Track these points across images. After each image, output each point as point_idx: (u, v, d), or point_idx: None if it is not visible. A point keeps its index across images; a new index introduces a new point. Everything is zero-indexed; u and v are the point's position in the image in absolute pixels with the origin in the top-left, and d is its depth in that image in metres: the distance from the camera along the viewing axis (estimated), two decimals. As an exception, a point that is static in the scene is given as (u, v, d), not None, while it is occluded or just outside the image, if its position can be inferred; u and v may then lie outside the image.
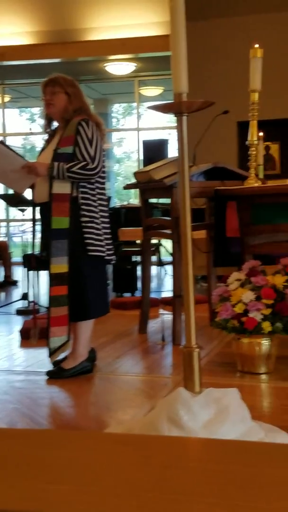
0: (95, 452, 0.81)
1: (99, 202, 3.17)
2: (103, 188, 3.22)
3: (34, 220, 3.30)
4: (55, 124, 3.31)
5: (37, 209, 3.27)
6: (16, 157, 3.10)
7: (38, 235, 3.33)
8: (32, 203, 3.31)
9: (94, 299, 3.16)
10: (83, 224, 3.08)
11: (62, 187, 3.07)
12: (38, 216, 3.28)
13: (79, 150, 3.08)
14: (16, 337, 4.21)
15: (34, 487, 0.71)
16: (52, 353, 3.12)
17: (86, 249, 3.09)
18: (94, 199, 3.15)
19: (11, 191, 3.60)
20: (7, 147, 3.11)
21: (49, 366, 3.22)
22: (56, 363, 3.23)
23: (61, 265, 3.06)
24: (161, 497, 0.66)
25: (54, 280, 3.08)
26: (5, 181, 3.30)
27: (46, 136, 3.35)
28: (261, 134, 4.38)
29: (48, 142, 3.29)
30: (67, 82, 3.21)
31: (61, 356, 3.26)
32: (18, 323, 4.96)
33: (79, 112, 3.17)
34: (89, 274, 3.13)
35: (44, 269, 3.27)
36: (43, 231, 3.31)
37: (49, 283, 3.11)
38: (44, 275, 3.45)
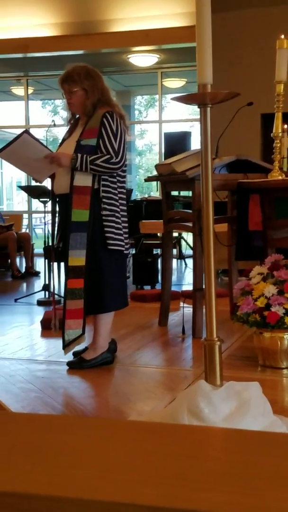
0: (117, 440, 0.81)
1: (119, 195, 3.16)
2: (124, 182, 3.21)
3: (53, 211, 3.30)
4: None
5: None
6: (40, 147, 3.12)
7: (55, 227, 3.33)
8: (52, 194, 3.31)
9: (113, 293, 3.15)
10: (103, 218, 3.08)
11: (84, 180, 3.06)
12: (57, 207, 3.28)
13: (103, 143, 3.07)
14: (38, 327, 4.25)
15: (56, 472, 0.72)
16: (66, 346, 3.13)
17: (106, 243, 3.08)
18: (115, 192, 3.13)
19: (33, 183, 3.61)
20: (32, 136, 3.13)
21: (70, 356, 3.25)
22: (77, 354, 3.25)
23: (78, 258, 3.06)
24: (183, 485, 0.66)
25: (71, 272, 3.08)
26: (26, 169, 3.32)
27: (68, 126, 3.34)
28: (286, 126, 4.34)
29: (70, 132, 3.28)
30: (82, 75, 3.14)
31: (82, 346, 3.29)
32: (39, 313, 5.00)
33: (101, 104, 3.15)
34: (108, 267, 3.12)
35: (62, 261, 3.28)
36: (60, 223, 3.31)
37: (66, 276, 3.11)
38: (63, 266, 3.46)
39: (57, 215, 3.29)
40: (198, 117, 2.12)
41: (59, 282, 7.03)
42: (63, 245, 3.16)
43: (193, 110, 13.69)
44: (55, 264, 3.50)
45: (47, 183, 3.42)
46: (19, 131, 3.11)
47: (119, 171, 3.13)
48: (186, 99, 2.20)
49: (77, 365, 3.17)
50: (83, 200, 3.05)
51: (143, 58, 9.64)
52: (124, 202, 3.21)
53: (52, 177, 3.23)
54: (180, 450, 0.76)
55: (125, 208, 3.21)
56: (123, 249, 3.15)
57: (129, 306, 3.39)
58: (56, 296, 3.59)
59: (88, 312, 3.12)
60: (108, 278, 3.12)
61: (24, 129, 3.23)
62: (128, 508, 0.64)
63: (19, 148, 3.09)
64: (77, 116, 3.30)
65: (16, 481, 0.70)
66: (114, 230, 3.10)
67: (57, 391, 2.83)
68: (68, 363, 3.19)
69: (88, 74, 3.17)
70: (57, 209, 3.28)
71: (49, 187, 3.40)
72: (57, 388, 2.86)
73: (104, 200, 3.08)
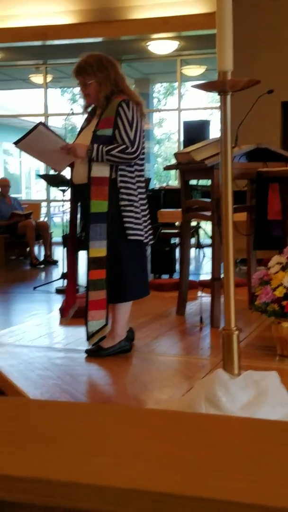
0: (135, 427, 0.82)
1: (138, 184, 3.15)
2: (142, 170, 3.19)
3: (72, 200, 3.31)
4: None
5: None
6: (56, 138, 3.12)
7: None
8: (71, 184, 3.32)
9: (132, 282, 3.16)
10: (122, 208, 3.07)
11: (101, 170, 3.05)
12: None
13: (119, 133, 3.05)
14: (56, 315, 4.28)
15: (75, 458, 0.73)
16: (90, 337, 3.13)
17: (125, 233, 3.07)
18: (133, 181, 3.12)
19: (52, 172, 3.63)
20: (47, 128, 3.14)
21: (87, 344, 3.27)
22: (95, 342, 3.27)
23: (99, 249, 3.06)
24: (202, 473, 0.66)
25: (93, 264, 3.07)
26: (44, 159, 3.33)
27: (85, 114, 3.33)
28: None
29: (88, 121, 3.27)
30: (95, 67, 3.11)
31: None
32: (57, 301, 5.03)
33: (116, 93, 3.12)
34: (128, 257, 3.12)
35: (83, 249, 3.29)
36: (81, 212, 3.32)
37: (88, 267, 3.10)
38: (83, 255, 3.48)
39: (77, 204, 3.29)
40: (218, 105, 2.11)
41: (87, 270, 7.06)
42: (85, 235, 3.17)
43: (213, 98, 13.58)
44: (76, 253, 3.50)
45: (65, 172, 3.43)
46: (38, 119, 3.13)
47: (137, 160, 3.12)
48: (206, 87, 2.18)
49: (95, 353, 3.19)
50: (101, 190, 3.05)
51: (162, 45, 9.57)
52: (143, 191, 3.20)
53: (72, 166, 3.23)
54: (198, 438, 0.76)
55: (144, 196, 3.20)
56: (143, 238, 3.14)
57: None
58: (76, 286, 3.59)
59: (109, 301, 3.13)
60: (129, 268, 3.12)
61: (39, 121, 3.23)
62: (146, 496, 0.65)
63: (35, 140, 3.10)
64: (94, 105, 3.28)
65: (35, 467, 0.71)
66: (133, 220, 3.09)
67: (75, 378, 2.85)
68: (86, 351, 3.21)
69: (101, 65, 3.13)
70: (77, 198, 3.29)
71: (68, 176, 3.41)
72: (75, 376, 2.88)
73: (122, 190, 3.07)
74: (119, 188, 3.07)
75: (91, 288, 3.09)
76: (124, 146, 3.03)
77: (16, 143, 3.16)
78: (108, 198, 3.04)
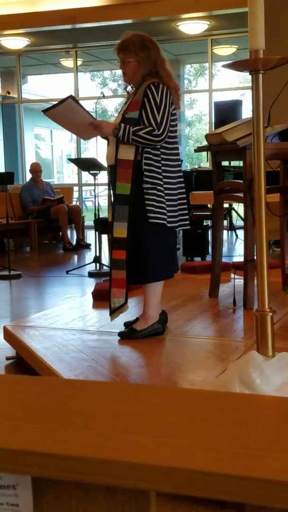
0: (171, 406, 0.82)
1: (164, 168, 3.13)
2: (171, 154, 3.15)
3: (109, 183, 3.31)
4: None
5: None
6: (83, 113, 3.17)
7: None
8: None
9: (154, 264, 3.16)
10: (145, 191, 3.07)
11: (126, 153, 3.07)
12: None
13: (146, 115, 3.04)
14: (89, 298, 4.32)
15: (111, 436, 0.74)
16: (112, 312, 3.24)
17: (147, 216, 3.08)
18: (158, 165, 3.10)
19: (83, 156, 3.66)
20: (77, 102, 3.18)
21: (121, 327, 3.29)
22: (128, 324, 3.29)
23: (121, 230, 3.12)
24: (238, 451, 0.67)
25: (115, 243, 3.14)
26: (71, 129, 3.41)
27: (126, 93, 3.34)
28: None
29: (126, 102, 3.28)
30: (137, 46, 3.10)
31: (133, 317, 3.33)
32: (90, 285, 5.07)
33: (150, 75, 3.11)
34: (150, 240, 3.12)
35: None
36: (110, 193, 3.34)
37: (111, 246, 3.20)
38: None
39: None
40: (249, 85, 2.08)
41: (110, 249, 7.10)
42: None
43: (244, 78, 13.37)
44: (106, 236, 3.55)
45: (97, 155, 3.45)
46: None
47: (164, 143, 3.09)
48: (238, 66, 2.15)
49: (128, 335, 3.21)
50: (126, 173, 3.08)
51: (192, 26, 9.46)
52: (173, 175, 3.15)
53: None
54: (234, 417, 0.76)
55: (173, 181, 3.15)
56: (165, 222, 3.12)
57: (179, 277, 3.40)
58: (105, 268, 3.62)
59: (130, 281, 3.21)
60: (149, 250, 3.13)
61: (70, 94, 3.28)
62: (182, 473, 0.66)
63: (64, 111, 3.16)
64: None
65: (70, 445, 0.73)
66: (155, 203, 3.08)
67: (109, 360, 2.88)
68: (120, 334, 3.24)
69: (144, 44, 3.12)
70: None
71: (99, 159, 3.44)
72: (109, 358, 2.91)
73: (146, 173, 3.07)
74: (144, 171, 3.07)
75: (113, 266, 3.19)
76: (150, 128, 3.02)
77: (45, 111, 3.22)
78: (132, 181, 3.07)
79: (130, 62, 3.12)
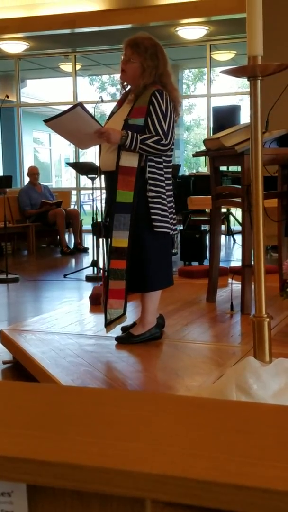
0: (167, 413, 0.82)
1: (166, 176, 3.11)
2: (170, 161, 3.15)
3: (102, 187, 3.30)
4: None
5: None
6: (91, 121, 3.03)
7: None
8: (99, 170, 3.30)
9: (156, 273, 3.15)
10: (149, 200, 3.04)
11: (129, 160, 3.01)
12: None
13: (152, 123, 3.01)
14: (86, 302, 4.31)
15: (107, 443, 0.73)
16: (108, 324, 3.15)
17: (152, 225, 3.05)
18: (161, 173, 3.09)
19: (81, 160, 3.63)
20: (85, 110, 3.05)
21: (118, 332, 3.29)
22: (125, 329, 3.29)
23: (122, 239, 3.05)
24: (234, 460, 0.66)
25: (114, 253, 3.07)
26: (70, 138, 3.28)
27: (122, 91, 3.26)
28: None
29: (119, 105, 3.24)
30: (148, 52, 3.04)
31: (130, 322, 3.32)
32: (88, 289, 5.07)
33: (154, 84, 3.06)
34: (152, 249, 3.10)
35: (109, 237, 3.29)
36: (106, 198, 3.31)
37: (109, 256, 3.11)
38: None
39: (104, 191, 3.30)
40: (248, 90, 2.08)
41: (108, 259, 7.10)
42: (109, 223, 3.17)
43: (243, 83, 13.40)
44: (103, 240, 3.52)
45: (95, 159, 3.42)
46: (67, 107, 3.07)
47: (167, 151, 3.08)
48: (236, 72, 2.15)
49: (126, 340, 3.21)
50: (128, 181, 3.02)
51: (191, 31, 9.49)
52: (170, 181, 3.17)
53: (100, 152, 3.21)
54: (230, 425, 0.76)
55: (171, 187, 3.17)
56: (169, 231, 3.12)
57: (177, 282, 3.40)
58: (105, 272, 3.58)
59: (131, 290, 3.14)
60: (152, 259, 3.11)
61: (78, 102, 3.17)
62: (178, 482, 0.65)
63: (68, 120, 3.03)
64: (129, 87, 3.23)
65: (68, 452, 0.72)
66: (160, 212, 3.07)
67: (106, 365, 2.87)
68: (117, 338, 3.23)
69: (155, 55, 3.06)
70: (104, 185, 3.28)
71: (97, 163, 3.39)
72: (106, 363, 2.90)
73: (150, 181, 3.04)
74: (147, 179, 3.04)
75: (111, 277, 3.10)
76: (158, 137, 2.99)
77: (46, 121, 3.10)
78: (134, 189, 3.02)
79: (134, 63, 3.06)
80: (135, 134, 2.98)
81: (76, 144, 3.27)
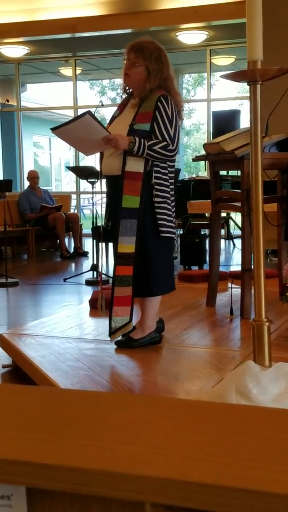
0: (167, 417, 0.82)
1: (170, 181, 3.11)
2: (173, 166, 3.15)
3: (102, 192, 3.30)
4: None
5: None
6: (100, 129, 2.99)
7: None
8: (100, 175, 3.29)
9: (160, 278, 3.15)
10: (155, 205, 3.03)
11: (136, 166, 2.99)
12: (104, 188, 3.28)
13: (159, 129, 2.99)
14: (86, 306, 4.31)
15: (107, 446, 0.73)
16: (112, 333, 3.14)
17: (159, 230, 3.04)
18: (166, 178, 3.08)
19: (81, 164, 3.62)
20: (94, 118, 3.00)
21: (111, 339, 3.28)
22: (125, 333, 3.28)
23: (128, 245, 3.03)
24: (235, 463, 0.66)
25: (120, 259, 3.05)
26: (76, 145, 3.26)
27: (123, 95, 3.24)
28: None
29: (120, 110, 3.22)
30: (153, 56, 3.03)
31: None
32: (87, 293, 5.07)
33: (159, 88, 3.05)
34: (157, 254, 3.09)
35: (111, 241, 3.28)
36: (108, 203, 3.31)
37: (115, 262, 3.09)
38: (111, 246, 3.49)
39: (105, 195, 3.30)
40: (247, 95, 2.09)
41: (107, 263, 7.09)
42: (112, 226, 3.16)
43: (242, 88, 13.44)
44: (103, 244, 3.52)
45: (95, 163, 3.41)
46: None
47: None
48: (236, 76, 2.16)
49: (125, 344, 3.20)
50: (134, 186, 3.00)
51: (191, 36, 9.51)
52: (173, 186, 3.18)
53: (101, 156, 3.20)
54: (231, 428, 0.76)
55: (173, 192, 3.18)
56: (174, 235, 3.13)
57: (177, 286, 3.39)
58: (103, 276, 3.61)
59: (135, 295, 3.13)
60: (157, 264, 3.11)
61: (88, 110, 3.08)
62: (178, 484, 0.65)
63: (76, 127, 3.00)
64: (130, 90, 3.22)
65: (67, 455, 0.72)
66: (166, 217, 3.07)
67: (106, 369, 2.87)
68: (116, 342, 3.23)
69: (160, 58, 3.06)
70: (106, 189, 3.28)
71: (98, 168, 3.38)
72: (105, 367, 2.90)
73: (156, 186, 3.03)
74: (153, 184, 3.03)
75: (117, 283, 3.08)
76: (165, 143, 2.98)
77: (54, 129, 3.06)
78: (141, 194, 3.01)
79: (139, 67, 3.04)
80: (142, 140, 2.96)
81: (80, 150, 3.23)
